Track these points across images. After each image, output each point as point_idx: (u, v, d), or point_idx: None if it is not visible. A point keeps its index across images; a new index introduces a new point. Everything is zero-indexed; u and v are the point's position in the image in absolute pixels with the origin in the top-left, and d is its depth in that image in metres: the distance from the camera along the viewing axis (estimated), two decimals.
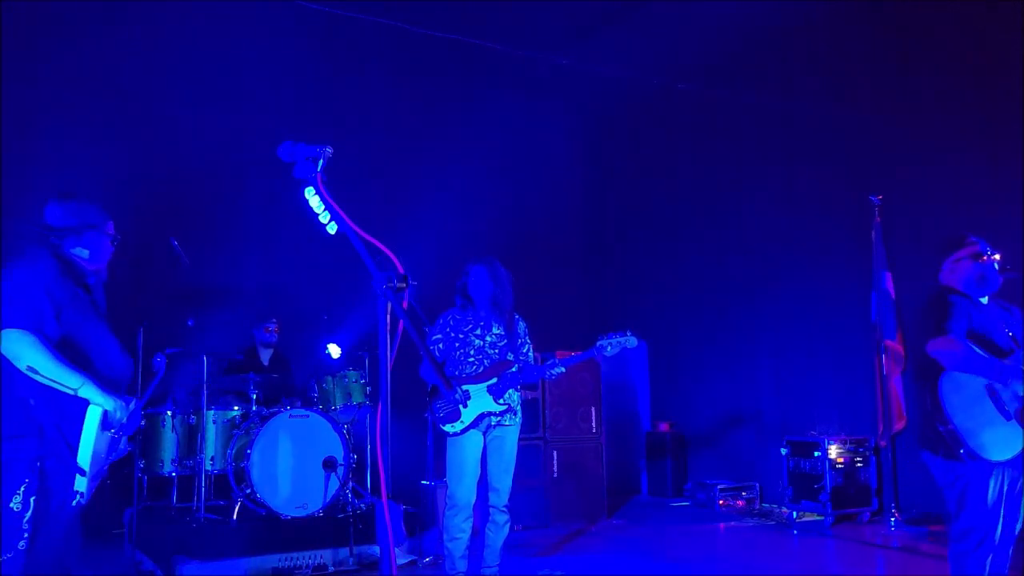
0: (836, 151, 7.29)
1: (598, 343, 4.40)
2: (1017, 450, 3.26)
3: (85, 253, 3.10)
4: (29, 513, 2.75)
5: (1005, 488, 3.32)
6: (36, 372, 2.78)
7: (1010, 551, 3.41)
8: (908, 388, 6.28)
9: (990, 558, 3.32)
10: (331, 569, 5.21)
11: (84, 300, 3.01)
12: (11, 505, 2.72)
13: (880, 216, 6.56)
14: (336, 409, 6.00)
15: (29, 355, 2.77)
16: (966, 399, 3.26)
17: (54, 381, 2.80)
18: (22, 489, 2.75)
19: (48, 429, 2.82)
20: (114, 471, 6.77)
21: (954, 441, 3.25)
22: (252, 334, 7.10)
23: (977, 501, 3.31)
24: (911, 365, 3.63)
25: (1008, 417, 3.25)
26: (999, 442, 3.23)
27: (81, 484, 2.84)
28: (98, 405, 2.88)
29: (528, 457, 6.51)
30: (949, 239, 3.64)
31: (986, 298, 3.55)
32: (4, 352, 2.79)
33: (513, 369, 4.48)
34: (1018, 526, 3.41)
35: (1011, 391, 3.27)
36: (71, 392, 2.82)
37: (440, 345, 4.56)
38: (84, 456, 2.83)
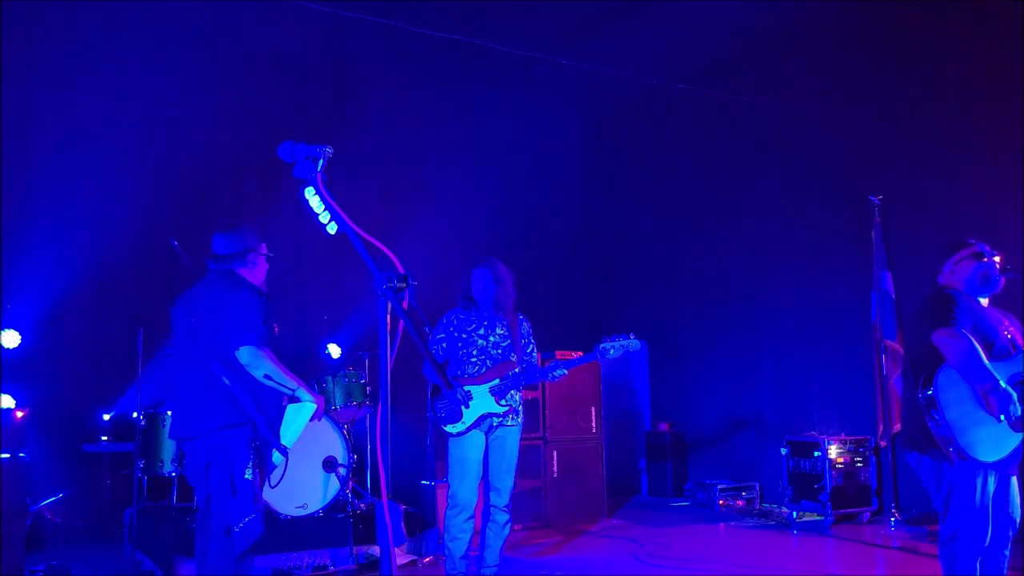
0: (836, 151, 7.28)
1: (601, 346, 4.39)
2: (1006, 452, 3.25)
3: (248, 273, 3.77)
4: (255, 480, 3.55)
5: (992, 489, 3.31)
6: (271, 379, 3.52)
7: (1005, 551, 3.40)
8: (902, 386, 6.29)
9: (980, 559, 3.32)
10: (331, 569, 5.21)
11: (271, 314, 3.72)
12: (246, 476, 3.50)
13: (880, 216, 6.56)
14: (336, 409, 6.00)
15: (265, 366, 3.51)
16: (960, 396, 3.24)
17: (281, 385, 3.54)
18: (250, 464, 3.51)
19: (256, 420, 3.51)
20: (114, 471, 6.81)
21: (944, 439, 3.22)
22: None
23: (965, 502, 3.29)
24: (905, 361, 3.59)
25: (998, 418, 3.24)
26: (989, 442, 3.22)
27: (278, 459, 3.60)
28: (308, 402, 3.61)
29: (528, 457, 6.52)
30: (951, 242, 3.64)
31: (985, 300, 3.55)
32: (244, 362, 3.49)
33: (516, 370, 4.48)
34: (1013, 527, 3.40)
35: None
36: (289, 393, 3.58)
37: (443, 345, 4.57)
38: (289, 439, 3.59)
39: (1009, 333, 3.46)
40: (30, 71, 6.95)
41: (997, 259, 3.56)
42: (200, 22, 6.86)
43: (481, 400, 4.41)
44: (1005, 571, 3.41)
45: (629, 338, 4.37)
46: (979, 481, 3.28)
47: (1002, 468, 3.31)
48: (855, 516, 6.66)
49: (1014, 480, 3.41)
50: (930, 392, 3.26)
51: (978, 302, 3.50)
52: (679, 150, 8.96)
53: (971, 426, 3.22)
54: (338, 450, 5.60)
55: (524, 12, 7.13)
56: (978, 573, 3.31)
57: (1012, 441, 3.25)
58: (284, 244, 7.67)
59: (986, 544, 3.31)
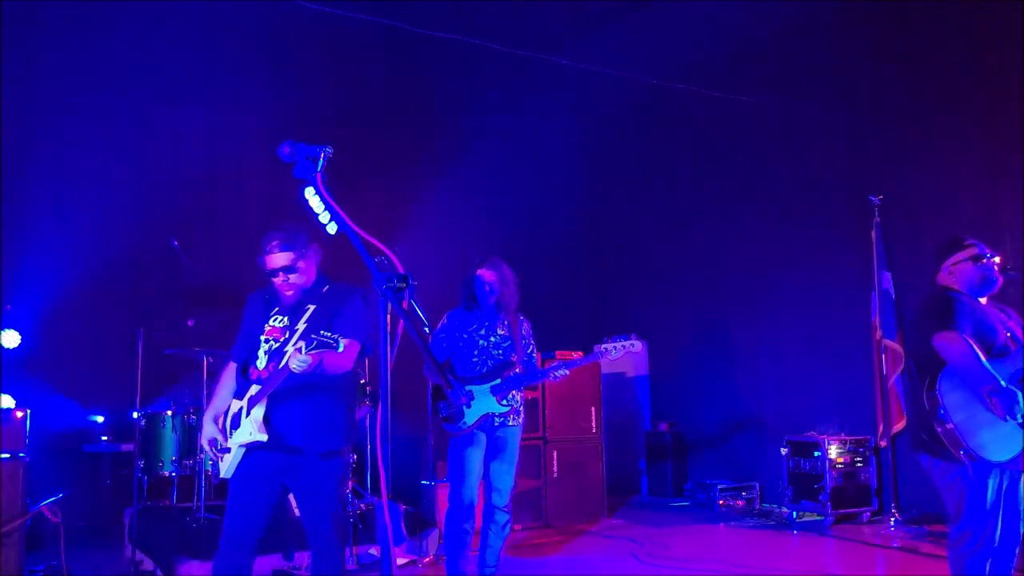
0: (836, 151, 7.29)
1: (603, 347, 4.38)
2: (1016, 451, 3.24)
3: None
4: None
5: (1004, 489, 3.31)
6: None
7: (1015, 551, 3.39)
8: (906, 388, 6.28)
9: (990, 561, 3.31)
10: None
11: None
12: None
13: (880, 216, 6.56)
14: None
15: None
16: (965, 399, 3.24)
17: None
18: None
19: None
20: (114, 471, 6.81)
21: (953, 441, 3.22)
22: None
23: (976, 503, 3.29)
24: (908, 364, 3.59)
25: (1004, 418, 3.24)
26: (998, 442, 3.22)
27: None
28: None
29: (528, 457, 6.51)
30: (948, 241, 3.64)
31: (984, 299, 3.55)
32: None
33: (516, 371, 4.48)
34: (1022, 527, 3.40)
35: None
36: None
37: (444, 344, 4.56)
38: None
39: (1009, 331, 3.46)
40: (30, 71, 6.94)
41: (997, 260, 3.56)
42: (200, 22, 6.86)
43: (482, 400, 4.41)
44: (1011, 572, 3.40)
45: (630, 339, 4.38)
46: (992, 482, 3.28)
47: (1013, 467, 3.31)
48: (855, 516, 6.66)
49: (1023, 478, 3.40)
50: (934, 394, 3.26)
51: (978, 302, 3.50)
52: (679, 150, 8.96)
53: (978, 428, 3.22)
54: None
55: (524, 12, 7.13)
56: (987, 573, 3.31)
57: (1020, 439, 3.24)
58: None
59: (995, 544, 3.31)
